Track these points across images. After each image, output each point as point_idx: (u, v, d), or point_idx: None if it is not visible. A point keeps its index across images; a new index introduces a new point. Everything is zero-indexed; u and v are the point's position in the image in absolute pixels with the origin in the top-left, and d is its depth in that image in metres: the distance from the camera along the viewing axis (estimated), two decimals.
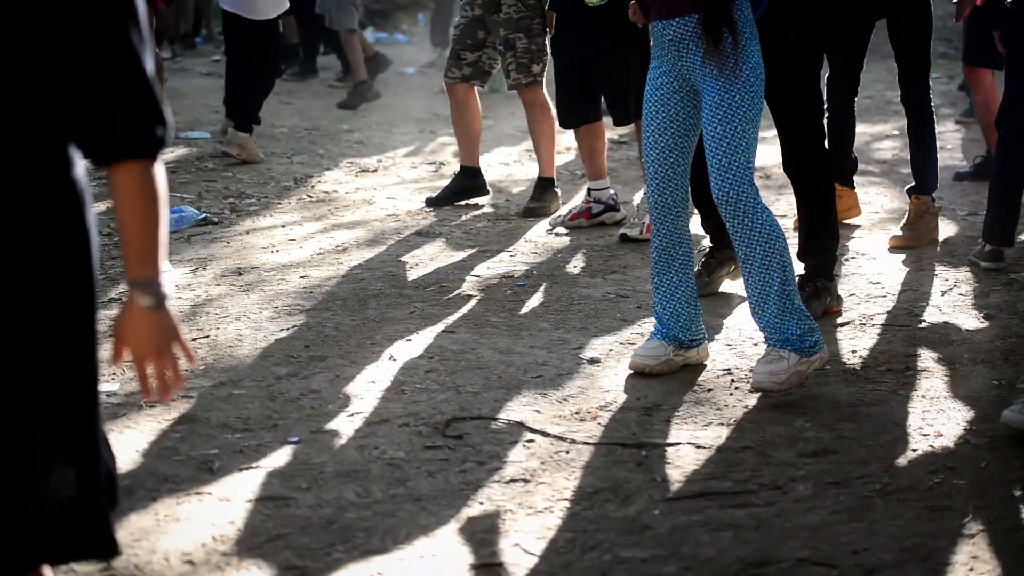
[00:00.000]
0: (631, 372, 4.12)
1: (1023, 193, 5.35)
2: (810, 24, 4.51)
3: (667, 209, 4.02)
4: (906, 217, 5.86)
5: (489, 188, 6.91)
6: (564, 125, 6.41)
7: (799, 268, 4.81)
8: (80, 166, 1.98)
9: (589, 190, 6.37)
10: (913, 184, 5.90)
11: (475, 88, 6.70)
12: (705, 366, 4.17)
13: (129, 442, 3.53)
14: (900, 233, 5.77)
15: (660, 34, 3.91)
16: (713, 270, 5.06)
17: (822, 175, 4.67)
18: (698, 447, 3.52)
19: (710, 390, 3.98)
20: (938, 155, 6.64)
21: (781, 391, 3.80)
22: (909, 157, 5.98)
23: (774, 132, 4.72)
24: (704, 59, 3.79)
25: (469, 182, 6.83)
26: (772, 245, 3.81)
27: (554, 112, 6.61)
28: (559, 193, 6.75)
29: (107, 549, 2.04)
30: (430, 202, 6.80)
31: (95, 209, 2.03)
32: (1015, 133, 5.19)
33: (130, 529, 2.99)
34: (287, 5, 7.87)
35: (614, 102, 6.16)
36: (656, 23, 3.92)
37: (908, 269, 5.41)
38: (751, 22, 3.85)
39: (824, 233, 4.72)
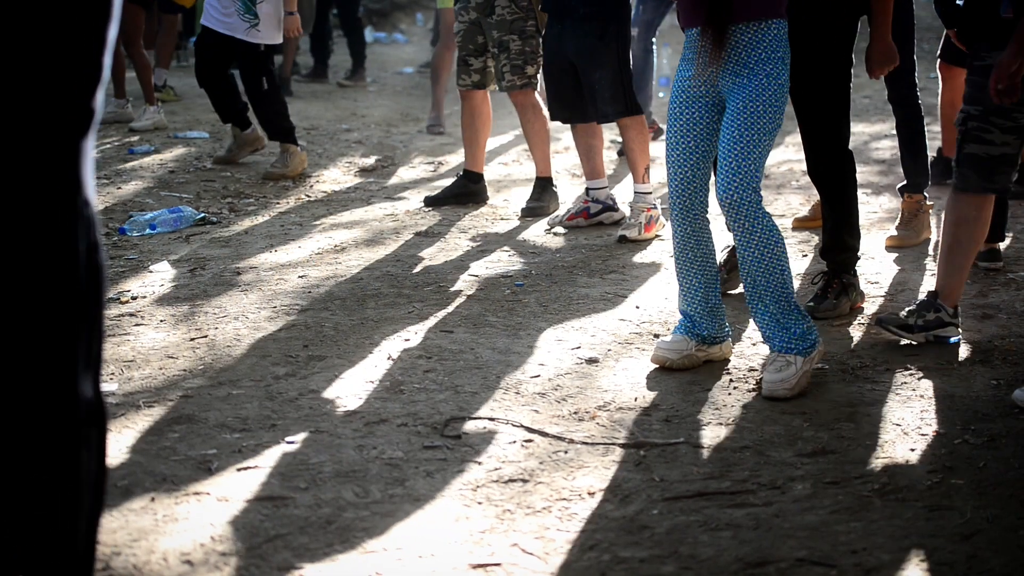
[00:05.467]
0: (627, 369, 4.13)
1: None
2: (841, 27, 4.58)
3: (688, 210, 4.08)
4: (900, 216, 5.92)
5: (488, 195, 6.90)
6: (553, 118, 6.42)
7: (822, 266, 4.92)
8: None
9: (587, 190, 6.37)
10: (905, 183, 5.93)
11: (488, 94, 6.71)
12: (703, 366, 4.17)
13: (127, 442, 3.53)
14: (895, 233, 5.84)
15: (691, 39, 4.00)
16: (732, 268, 5.05)
17: (844, 177, 4.76)
18: (696, 447, 3.51)
19: (708, 390, 3.97)
20: (938, 155, 6.63)
21: (793, 396, 3.84)
22: (899, 156, 6.02)
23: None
24: (719, 66, 3.90)
25: (470, 186, 6.84)
26: (771, 249, 3.90)
27: (546, 112, 6.61)
28: (558, 193, 6.76)
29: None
30: (429, 201, 6.80)
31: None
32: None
33: (128, 529, 2.99)
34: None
35: (593, 100, 6.13)
36: (688, 30, 4.01)
37: (907, 268, 5.41)
38: (785, 41, 3.93)
39: (847, 232, 4.80)
